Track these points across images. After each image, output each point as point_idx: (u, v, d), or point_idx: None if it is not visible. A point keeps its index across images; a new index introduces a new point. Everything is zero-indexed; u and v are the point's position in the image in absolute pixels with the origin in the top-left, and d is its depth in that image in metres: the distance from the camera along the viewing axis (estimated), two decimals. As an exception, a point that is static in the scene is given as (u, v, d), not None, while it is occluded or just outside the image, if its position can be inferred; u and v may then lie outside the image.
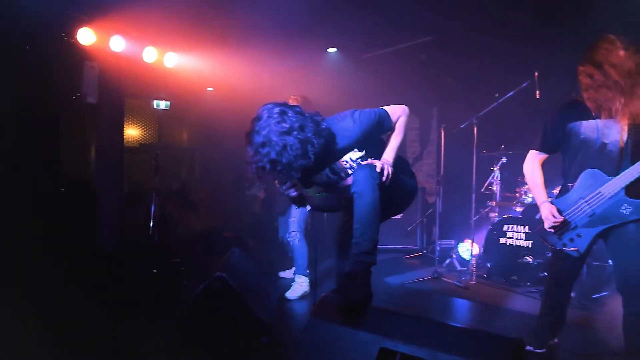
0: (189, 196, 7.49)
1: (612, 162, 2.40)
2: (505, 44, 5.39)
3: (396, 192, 2.37)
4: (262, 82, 6.71)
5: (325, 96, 4.97)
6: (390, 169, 2.25)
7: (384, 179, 2.19)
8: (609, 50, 2.36)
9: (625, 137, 2.37)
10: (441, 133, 4.88)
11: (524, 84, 4.26)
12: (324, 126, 2.23)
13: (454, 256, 5.15)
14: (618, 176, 2.36)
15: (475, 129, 4.56)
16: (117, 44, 4.86)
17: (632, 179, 2.32)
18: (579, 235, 2.52)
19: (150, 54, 5.33)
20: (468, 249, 4.75)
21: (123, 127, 5.85)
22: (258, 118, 2.13)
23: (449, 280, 4.54)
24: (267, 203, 7.03)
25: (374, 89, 6.45)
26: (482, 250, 4.73)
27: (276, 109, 2.12)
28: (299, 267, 4.17)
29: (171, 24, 5.03)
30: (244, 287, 2.68)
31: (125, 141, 6.02)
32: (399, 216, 5.97)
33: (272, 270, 4.89)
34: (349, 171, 2.39)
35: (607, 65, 2.34)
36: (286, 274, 4.75)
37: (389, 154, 2.38)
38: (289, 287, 4.13)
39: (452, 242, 5.55)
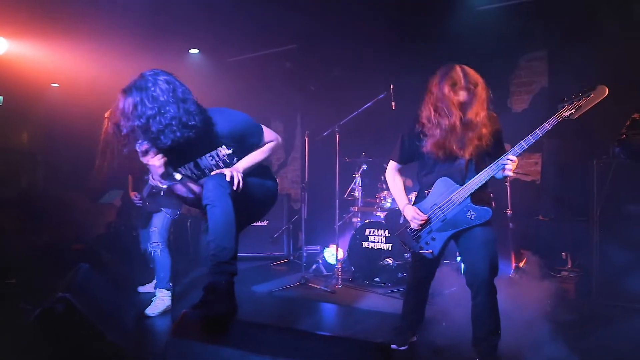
0: (30, 206, 6.59)
1: (460, 172, 2.63)
2: (365, 56, 5.71)
3: (253, 198, 2.37)
4: (116, 81, 6.17)
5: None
6: (240, 177, 2.22)
7: (234, 187, 2.15)
8: (453, 86, 2.54)
9: (469, 151, 2.60)
10: (305, 140, 4.95)
11: (381, 95, 4.51)
12: (203, 108, 2.24)
13: (320, 261, 5.26)
14: (464, 185, 2.58)
15: (337, 136, 4.71)
16: None
17: (475, 187, 2.56)
18: (433, 239, 2.71)
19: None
20: (333, 254, 4.89)
21: None
22: (141, 76, 2.11)
23: (315, 286, 4.60)
24: (124, 212, 6.46)
25: (237, 93, 6.36)
26: (346, 255, 4.90)
27: (164, 75, 2.12)
28: (161, 281, 3.88)
29: (5, 2, 4.37)
30: (93, 308, 2.38)
31: None
32: (264, 223, 5.98)
33: (130, 285, 4.51)
34: (213, 169, 2.35)
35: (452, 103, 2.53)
36: (146, 288, 4.40)
37: (242, 164, 2.39)
38: (149, 302, 3.81)
39: (318, 247, 5.67)
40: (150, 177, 2.31)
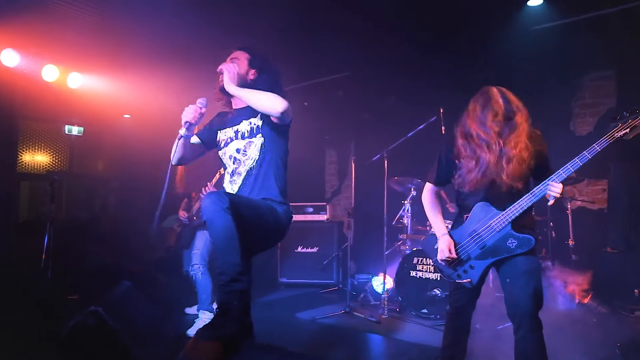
0: (99, 228, 7.01)
1: (500, 196, 2.46)
2: (418, 82, 5.63)
3: (257, 225, 2.30)
4: (180, 111, 6.52)
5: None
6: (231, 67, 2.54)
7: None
8: (494, 116, 2.43)
9: (511, 173, 2.43)
10: (352, 165, 4.91)
11: (432, 119, 4.40)
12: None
13: (368, 290, 5.12)
14: (505, 211, 2.41)
15: (385, 161, 4.62)
16: (10, 58, 4.48)
17: (516, 214, 2.38)
18: (472, 267, 2.54)
19: (49, 73, 4.98)
20: (381, 283, 4.74)
21: (17, 150, 5.38)
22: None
23: (360, 315, 4.47)
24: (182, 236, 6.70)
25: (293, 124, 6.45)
26: (394, 284, 4.73)
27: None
28: (203, 303, 3.94)
29: (77, 40, 4.76)
30: (125, 324, 2.44)
31: (28, 167, 5.55)
32: (314, 249, 5.95)
33: (178, 306, 4.62)
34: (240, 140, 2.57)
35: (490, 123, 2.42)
36: (193, 309, 4.47)
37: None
38: (193, 323, 3.88)
39: (368, 276, 5.54)
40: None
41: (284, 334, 3.99)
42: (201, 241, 4.00)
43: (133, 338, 2.42)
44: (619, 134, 2.26)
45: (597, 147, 2.26)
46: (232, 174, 2.62)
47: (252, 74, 2.65)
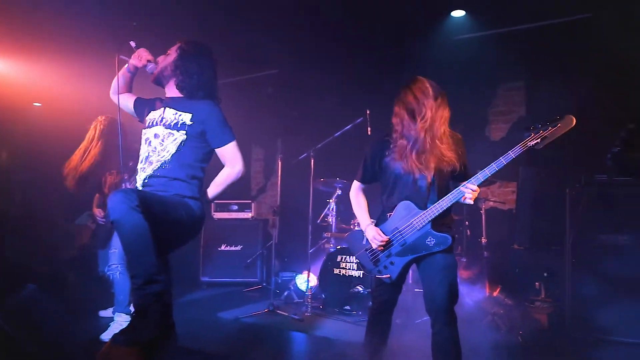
0: (4, 225, 6.43)
1: (422, 196, 2.56)
2: (345, 83, 5.73)
3: (169, 222, 2.25)
4: (96, 102, 6.16)
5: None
6: None
7: None
8: (420, 97, 2.54)
9: (432, 174, 2.54)
10: (278, 164, 4.89)
11: (358, 120, 4.49)
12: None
13: (292, 288, 5.13)
14: (425, 210, 2.51)
15: (312, 160, 4.66)
16: None
17: (436, 214, 2.48)
18: (392, 263, 2.62)
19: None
20: (305, 281, 4.76)
21: None
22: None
23: (284, 313, 4.46)
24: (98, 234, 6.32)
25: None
26: (318, 282, 4.77)
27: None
28: (120, 304, 3.73)
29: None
30: (30, 331, 2.25)
31: None
32: (237, 248, 5.86)
33: (92, 309, 4.34)
34: (164, 127, 2.50)
35: (417, 114, 2.52)
36: (107, 312, 4.23)
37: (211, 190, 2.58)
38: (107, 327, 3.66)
39: (292, 274, 5.54)
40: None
41: (207, 334, 3.90)
42: (119, 240, 3.79)
43: (39, 346, 2.24)
44: (531, 143, 2.41)
45: (511, 154, 2.40)
46: (144, 160, 2.53)
47: (179, 64, 2.58)
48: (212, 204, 6.00)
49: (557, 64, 4.98)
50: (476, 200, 2.50)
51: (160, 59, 2.64)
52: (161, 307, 1.92)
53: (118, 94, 2.66)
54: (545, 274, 4.32)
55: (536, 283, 4.46)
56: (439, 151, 2.52)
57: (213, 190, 2.60)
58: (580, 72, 4.74)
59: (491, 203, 5.14)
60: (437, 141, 2.52)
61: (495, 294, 4.30)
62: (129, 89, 2.84)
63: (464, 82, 5.18)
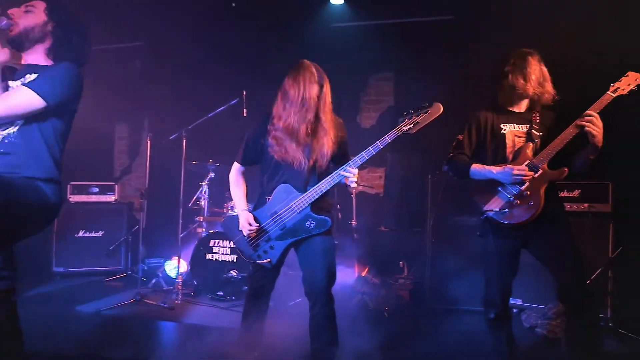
0: None
1: (302, 179, 2.56)
2: (220, 62, 5.51)
3: (15, 209, 1.96)
4: None
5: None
6: None
7: None
8: (303, 81, 2.52)
9: (313, 156, 2.55)
10: (147, 143, 4.55)
11: (234, 101, 4.36)
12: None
13: (161, 275, 4.85)
14: (305, 193, 2.51)
15: (184, 141, 4.42)
16: None
17: (316, 197, 2.50)
18: (272, 247, 2.59)
19: None
20: (175, 267, 4.53)
21: None
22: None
23: (152, 302, 4.20)
24: None
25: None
26: (189, 268, 4.58)
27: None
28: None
29: None
30: None
31: None
32: (98, 234, 5.36)
33: None
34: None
35: (299, 97, 2.49)
36: None
37: None
38: None
39: (161, 260, 5.24)
40: None
41: (62, 331, 3.50)
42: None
43: None
44: (405, 128, 2.53)
45: (387, 139, 2.49)
46: None
47: (50, 27, 2.24)
48: (69, 186, 5.38)
49: (422, 59, 5.35)
50: (347, 184, 2.57)
51: (15, 13, 2.20)
52: (3, 312, 1.63)
53: None
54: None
55: (400, 262, 4.82)
56: (321, 135, 2.54)
57: None
58: (441, 68, 5.15)
59: (361, 187, 5.39)
60: (318, 124, 2.54)
61: (364, 274, 4.53)
62: None
63: (339, 70, 5.26)
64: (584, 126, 2.38)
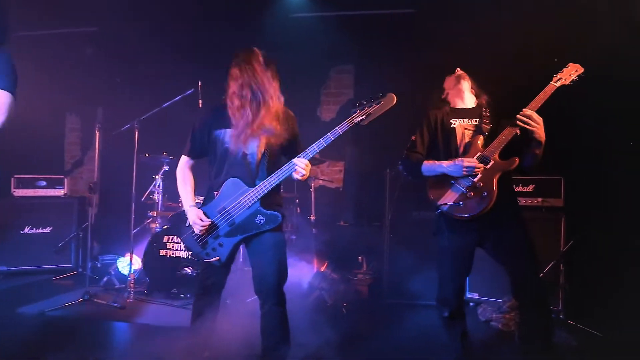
0: None
1: (251, 172, 2.46)
2: (175, 52, 5.32)
3: None
4: None
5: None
6: None
7: None
8: (251, 70, 2.43)
9: (263, 149, 2.46)
10: (96, 134, 4.34)
11: (189, 92, 4.22)
12: None
13: (113, 273, 4.67)
14: (254, 188, 2.42)
15: (136, 132, 4.24)
16: None
17: (266, 191, 2.41)
18: (220, 245, 2.49)
19: None
20: (128, 264, 4.35)
21: None
22: None
23: (102, 302, 4.03)
24: None
25: (25, 76, 5.36)
26: (142, 264, 4.41)
27: None
28: None
29: None
30: None
31: None
32: (46, 230, 5.11)
33: None
34: None
35: (248, 87, 2.40)
36: None
37: None
38: None
39: (114, 257, 5.05)
40: None
41: (2, 334, 3.29)
42: None
43: None
44: (357, 119, 2.46)
45: (339, 130, 2.42)
46: None
47: None
48: (13, 179, 5.11)
49: (383, 52, 5.30)
50: (307, 178, 2.49)
51: None
52: None
53: None
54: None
55: (359, 257, 4.79)
56: (271, 126, 2.45)
57: None
58: (402, 61, 5.12)
59: (320, 182, 5.34)
60: (268, 116, 2.45)
61: (322, 269, 4.48)
62: None
63: (299, 62, 5.21)
64: (520, 125, 2.40)
